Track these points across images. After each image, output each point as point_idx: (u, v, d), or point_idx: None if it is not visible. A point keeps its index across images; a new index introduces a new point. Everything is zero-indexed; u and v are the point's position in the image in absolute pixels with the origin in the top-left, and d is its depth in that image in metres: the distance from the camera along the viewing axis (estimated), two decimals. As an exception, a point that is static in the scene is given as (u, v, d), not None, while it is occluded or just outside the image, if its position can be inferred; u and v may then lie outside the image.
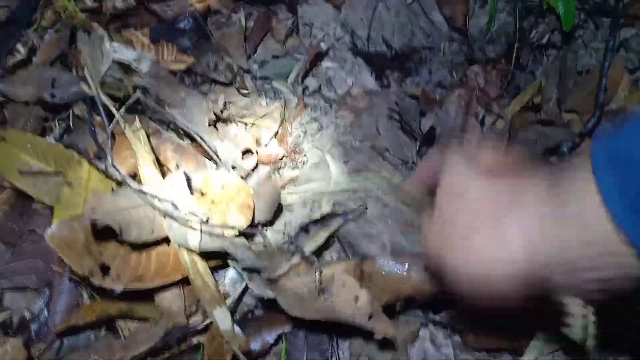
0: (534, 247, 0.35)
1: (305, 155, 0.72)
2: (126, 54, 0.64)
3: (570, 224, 0.33)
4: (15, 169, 0.62)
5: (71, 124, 0.70)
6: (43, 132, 0.70)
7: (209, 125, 0.68)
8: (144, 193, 0.60)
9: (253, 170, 0.69)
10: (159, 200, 0.60)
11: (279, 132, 0.73)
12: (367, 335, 0.60)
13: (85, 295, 0.63)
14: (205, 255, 0.62)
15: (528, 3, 0.92)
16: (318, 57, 0.82)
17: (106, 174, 0.63)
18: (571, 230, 0.33)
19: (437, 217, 0.41)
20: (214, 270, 0.65)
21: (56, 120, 0.71)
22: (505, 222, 0.37)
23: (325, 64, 0.84)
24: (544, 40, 0.94)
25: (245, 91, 0.78)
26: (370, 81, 0.84)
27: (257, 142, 0.71)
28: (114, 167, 0.62)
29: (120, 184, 0.63)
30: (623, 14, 0.88)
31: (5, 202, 0.64)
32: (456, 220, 0.39)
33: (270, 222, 0.66)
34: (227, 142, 0.68)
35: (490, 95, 0.92)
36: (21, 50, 0.78)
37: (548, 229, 0.34)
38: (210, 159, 0.69)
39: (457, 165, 0.41)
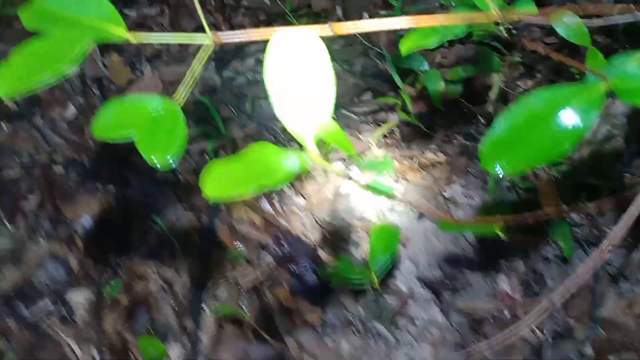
0: None
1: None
2: None
3: None
4: None
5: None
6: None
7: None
8: None
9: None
10: None
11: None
12: None
13: None
14: None
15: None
16: (406, 302, 1.22)
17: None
18: None
19: None
20: None
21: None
22: None
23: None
24: (553, 260, 1.34)
25: (359, 334, 1.18)
26: (436, 311, 1.24)
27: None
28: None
29: None
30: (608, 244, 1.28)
31: None
32: None
33: None
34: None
35: (517, 301, 1.32)
36: (209, 313, 1.18)
37: None
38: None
39: None
